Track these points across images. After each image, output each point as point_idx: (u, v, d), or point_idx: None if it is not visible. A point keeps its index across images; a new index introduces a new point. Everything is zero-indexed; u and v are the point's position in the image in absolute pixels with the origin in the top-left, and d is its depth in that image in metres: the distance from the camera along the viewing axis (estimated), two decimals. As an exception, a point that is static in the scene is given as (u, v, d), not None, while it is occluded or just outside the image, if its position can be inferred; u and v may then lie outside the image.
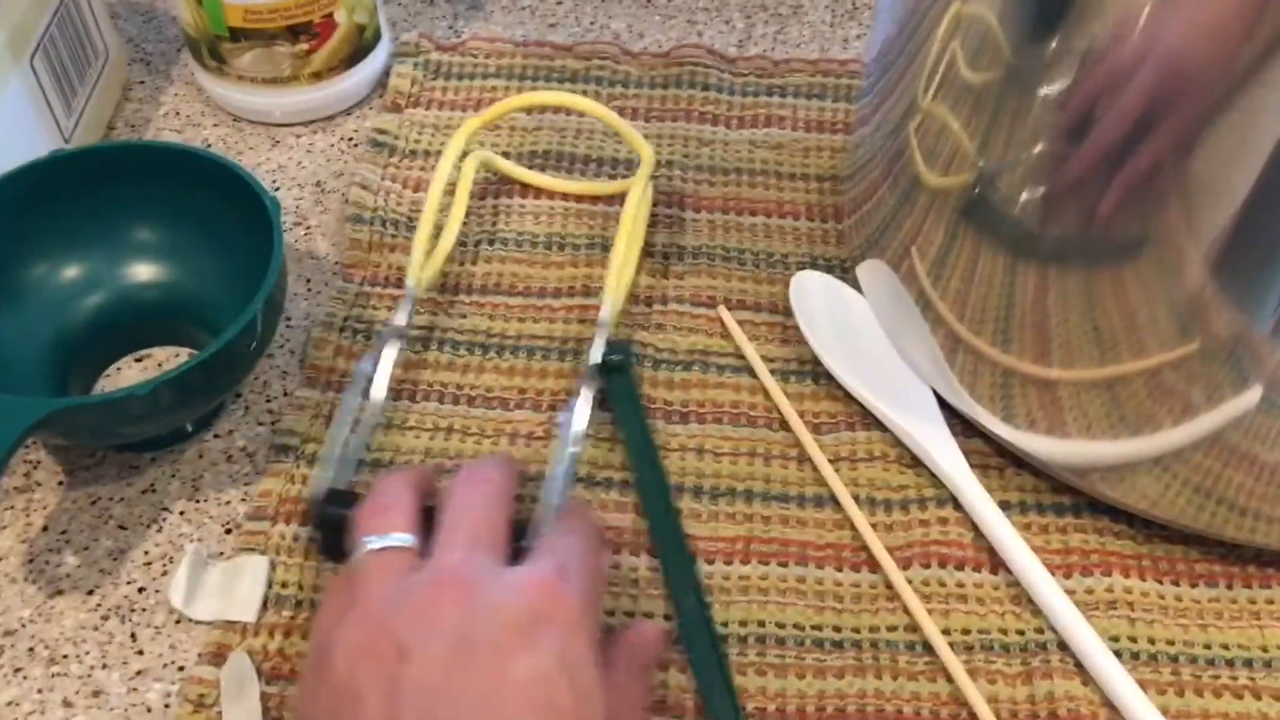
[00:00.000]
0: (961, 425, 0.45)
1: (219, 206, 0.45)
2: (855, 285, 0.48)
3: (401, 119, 0.55)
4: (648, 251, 0.50)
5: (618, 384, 0.44)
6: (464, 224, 0.51)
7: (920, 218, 0.41)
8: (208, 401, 0.42)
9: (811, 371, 0.46)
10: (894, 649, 0.39)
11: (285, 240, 0.51)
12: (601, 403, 0.44)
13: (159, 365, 0.47)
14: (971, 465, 0.43)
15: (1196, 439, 0.38)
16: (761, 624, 0.40)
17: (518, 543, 0.36)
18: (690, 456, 0.44)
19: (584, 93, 0.56)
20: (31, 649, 0.39)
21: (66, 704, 0.38)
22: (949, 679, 0.38)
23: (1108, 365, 0.38)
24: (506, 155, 0.53)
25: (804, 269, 0.49)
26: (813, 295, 0.47)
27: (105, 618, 0.40)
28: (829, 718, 0.38)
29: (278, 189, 0.54)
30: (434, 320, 0.48)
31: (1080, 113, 0.34)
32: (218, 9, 0.52)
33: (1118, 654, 0.39)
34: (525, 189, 0.53)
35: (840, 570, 0.41)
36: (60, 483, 0.44)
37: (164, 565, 0.41)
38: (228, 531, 0.42)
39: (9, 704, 0.38)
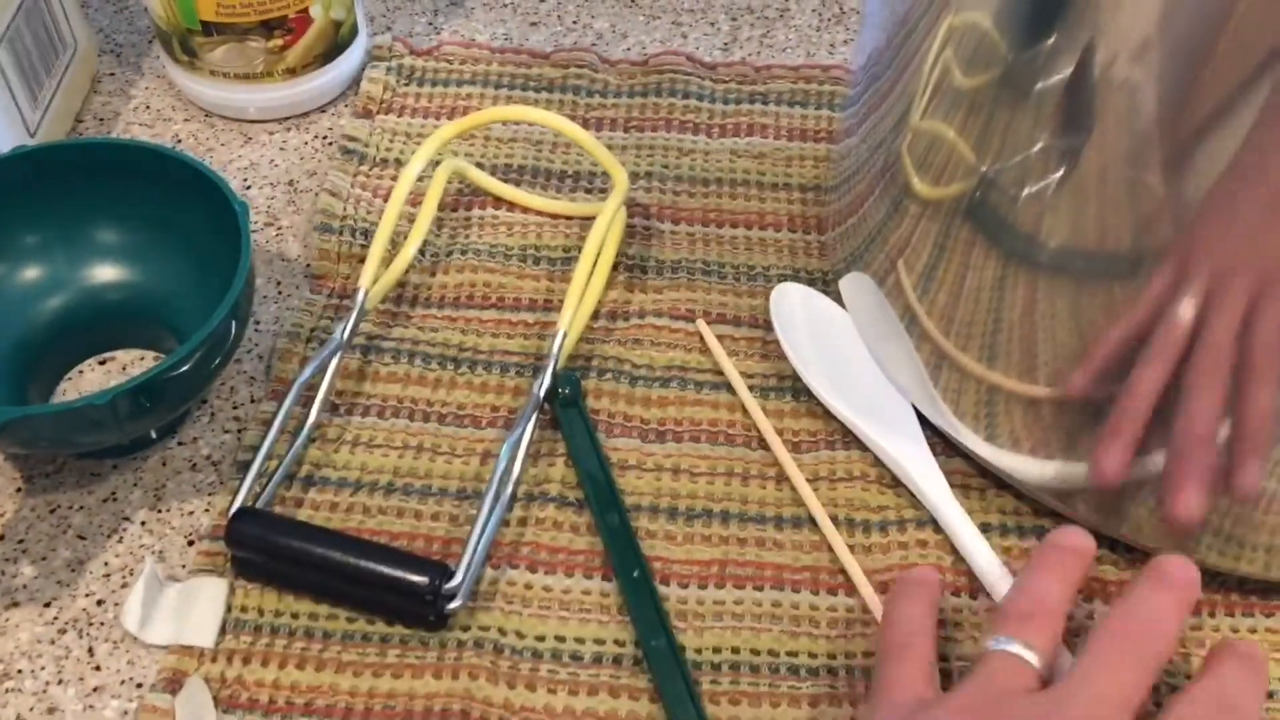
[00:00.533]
0: (943, 444, 0.44)
1: (186, 207, 0.44)
2: (837, 298, 0.47)
3: (373, 126, 0.54)
4: (625, 265, 0.49)
5: (569, 416, 0.43)
6: (435, 234, 0.50)
7: (908, 230, 0.41)
8: (170, 411, 0.41)
9: (791, 388, 0.45)
10: (869, 677, 0.38)
11: (256, 240, 0.50)
12: (555, 423, 0.44)
13: (123, 368, 0.46)
14: (952, 485, 0.43)
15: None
16: (735, 650, 0.39)
17: None
18: (666, 476, 0.43)
19: (561, 102, 0.55)
20: (-16, 664, 0.38)
21: (19, 722, 0.37)
22: (924, 708, 0.38)
23: (1095, 385, 0.37)
24: (480, 166, 0.52)
25: (786, 281, 0.48)
26: (793, 308, 0.47)
27: (62, 631, 0.39)
28: (802, 747, 0.37)
29: (249, 187, 0.52)
30: (404, 333, 0.47)
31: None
32: (190, 2, 0.50)
33: (1095, 680, 0.38)
34: (499, 199, 0.51)
35: (817, 594, 0.40)
36: (18, 489, 0.42)
37: (124, 577, 0.40)
38: (190, 544, 0.41)
39: (-40, 722, 0.37)
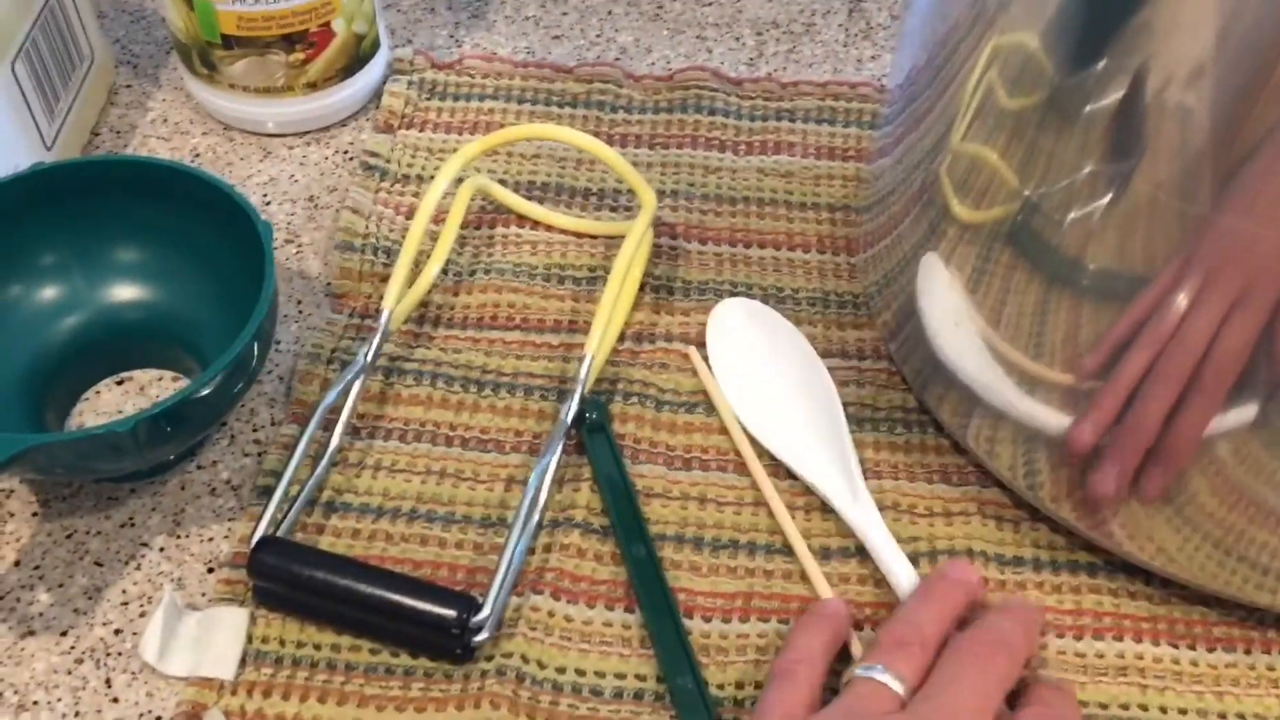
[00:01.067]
0: (977, 473, 0.43)
1: (207, 225, 0.43)
2: (858, 320, 0.46)
3: (394, 141, 0.53)
4: (651, 285, 0.48)
5: (596, 442, 0.43)
6: (458, 252, 0.49)
7: (946, 253, 0.40)
8: (192, 436, 0.41)
9: (820, 414, 0.44)
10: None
11: (275, 258, 0.49)
12: (583, 446, 0.43)
13: (140, 388, 0.45)
14: (986, 516, 0.42)
15: (1222, 492, 0.36)
16: (760, 686, 0.38)
17: None
18: (692, 505, 0.42)
19: (585, 118, 0.54)
20: (0, 694, 0.38)
21: (35, 755, 0.36)
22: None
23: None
24: (503, 183, 0.51)
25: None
26: (733, 327, 0.46)
27: (79, 661, 0.38)
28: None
29: (269, 203, 0.52)
30: (426, 354, 0.46)
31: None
32: (210, 15, 0.50)
33: (1129, 721, 0.37)
34: (523, 217, 0.51)
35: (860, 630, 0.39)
36: (34, 514, 0.42)
37: (142, 606, 0.40)
38: (210, 571, 0.40)
39: (-26, 754, 0.36)
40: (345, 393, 0.43)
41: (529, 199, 0.51)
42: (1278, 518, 0.36)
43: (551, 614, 0.39)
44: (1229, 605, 0.40)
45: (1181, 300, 0.33)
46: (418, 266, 0.47)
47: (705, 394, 0.45)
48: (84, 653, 0.38)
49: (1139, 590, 0.41)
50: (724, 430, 0.44)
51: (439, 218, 0.49)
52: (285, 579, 0.38)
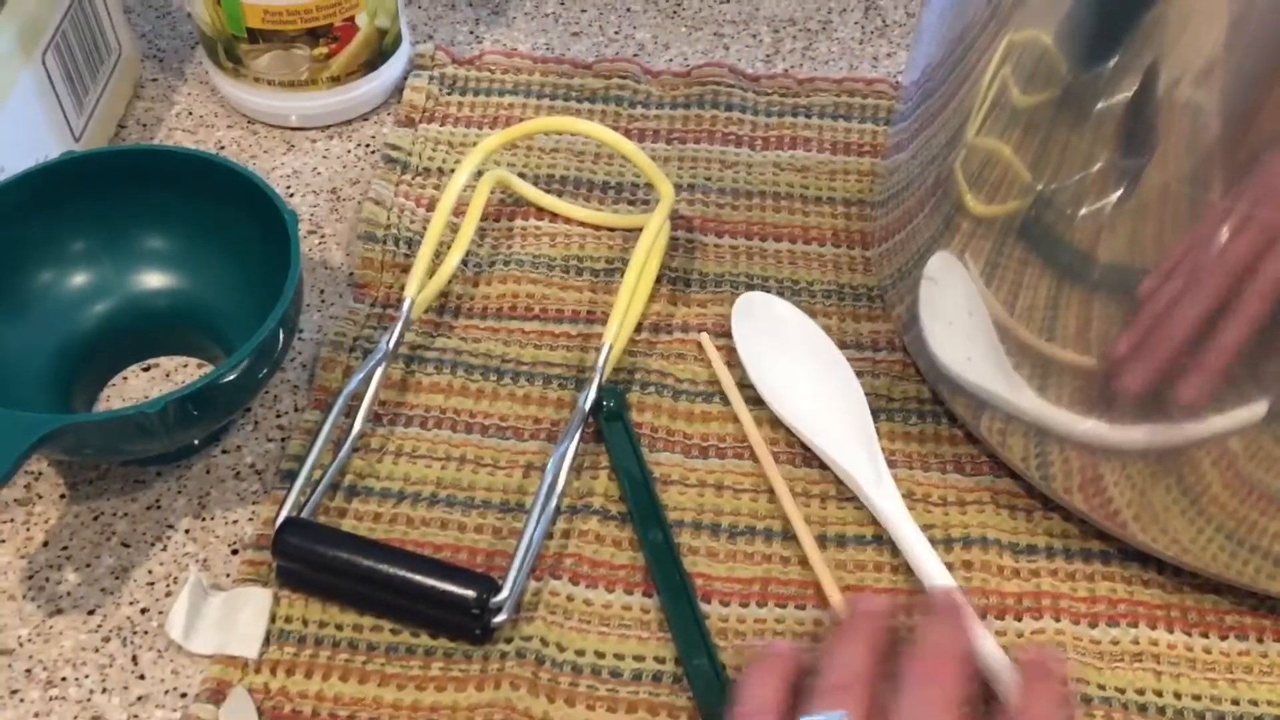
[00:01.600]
0: (990, 463, 0.44)
1: (233, 215, 0.44)
2: (868, 314, 0.47)
3: (415, 134, 0.54)
4: (668, 278, 0.49)
5: (613, 430, 0.43)
6: (478, 244, 0.50)
7: (960, 247, 0.40)
8: (217, 420, 0.41)
9: (835, 404, 0.45)
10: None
11: (300, 251, 0.50)
12: (601, 434, 0.44)
13: (166, 375, 0.46)
14: (999, 505, 0.43)
15: (1234, 484, 0.37)
16: (781, 668, 0.39)
17: None
18: (709, 492, 0.43)
19: (603, 113, 0.55)
20: (29, 670, 0.38)
21: (64, 730, 0.37)
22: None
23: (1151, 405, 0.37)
24: (523, 176, 0.52)
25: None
26: (755, 318, 0.47)
27: (106, 639, 0.39)
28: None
29: (292, 195, 0.52)
30: (446, 343, 0.47)
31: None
32: (236, 9, 0.50)
33: (1143, 708, 0.38)
34: (542, 210, 0.51)
35: (862, 613, 0.40)
36: (62, 496, 0.42)
37: (168, 586, 0.40)
38: (234, 552, 0.41)
39: (4, 728, 0.37)
40: (367, 380, 0.43)
41: (548, 192, 0.52)
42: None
43: (571, 598, 0.40)
44: (1241, 593, 0.41)
45: (1224, 231, 0.33)
46: (438, 257, 0.48)
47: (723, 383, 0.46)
48: (111, 631, 0.39)
49: (1152, 578, 0.41)
50: (740, 419, 0.45)
51: (459, 210, 0.50)
52: (308, 560, 0.39)
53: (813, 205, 0.52)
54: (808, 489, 0.43)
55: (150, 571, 0.41)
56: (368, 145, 0.55)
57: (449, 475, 0.43)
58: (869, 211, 0.52)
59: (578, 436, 0.42)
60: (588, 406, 0.43)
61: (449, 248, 0.48)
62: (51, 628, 0.39)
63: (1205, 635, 0.40)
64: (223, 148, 0.54)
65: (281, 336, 0.40)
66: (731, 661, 0.39)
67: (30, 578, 0.40)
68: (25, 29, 0.47)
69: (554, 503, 0.41)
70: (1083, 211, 0.35)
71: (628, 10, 0.61)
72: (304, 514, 0.40)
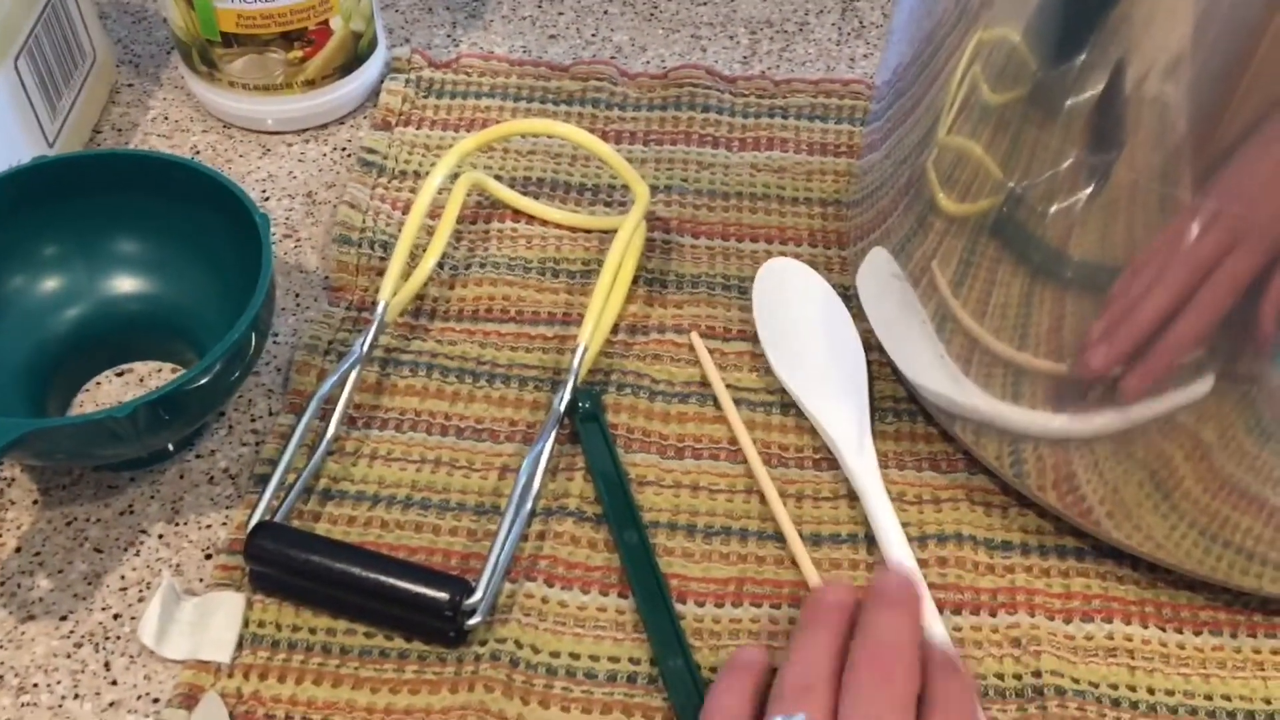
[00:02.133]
0: (965, 460, 0.44)
1: (206, 219, 0.44)
2: (852, 301, 0.47)
3: (391, 138, 0.54)
4: (644, 279, 0.49)
5: (589, 431, 0.43)
6: (453, 246, 0.50)
7: (933, 246, 0.40)
8: (190, 424, 0.41)
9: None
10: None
11: (274, 252, 0.50)
12: (576, 435, 0.43)
13: (140, 380, 0.46)
14: (974, 503, 0.43)
15: (1206, 480, 0.37)
16: (756, 668, 0.38)
17: None
18: (685, 493, 0.43)
19: (580, 115, 0.55)
20: (1, 676, 0.38)
21: (35, 736, 0.37)
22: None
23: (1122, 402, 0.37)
24: (499, 178, 0.52)
25: (779, 257, 0.49)
26: (779, 284, 0.47)
27: (78, 645, 0.39)
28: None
29: (267, 199, 0.52)
30: (421, 346, 0.46)
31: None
32: (210, 13, 0.50)
33: (1116, 702, 0.38)
34: (518, 212, 0.51)
35: (837, 612, 0.40)
36: (35, 501, 0.42)
37: (140, 591, 0.40)
38: (207, 557, 0.41)
39: (-25, 735, 0.37)
40: (342, 383, 0.43)
41: (524, 194, 0.52)
42: (1260, 504, 0.37)
43: (545, 600, 0.40)
44: (1214, 589, 0.41)
45: (1193, 228, 0.33)
46: (414, 260, 0.48)
47: (699, 384, 0.46)
48: (83, 637, 0.39)
49: (1126, 574, 0.41)
50: (717, 419, 0.45)
51: (435, 212, 0.50)
52: (281, 563, 0.38)
53: (789, 206, 0.52)
54: (784, 488, 0.43)
55: (123, 577, 0.40)
56: (343, 149, 0.55)
57: (424, 478, 0.43)
58: (845, 211, 0.52)
59: (552, 438, 0.42)
60: (563, 408, 0.43)
61: (425, 250, 0.48)
62: (23, 634, 0.39)
63: (1179, 630, 0.40)
64: (198, 152, 0.54)
65: (254, 340, 0.40)
66: (707, 662, 0.39)
67: (2, 584, 0.40)
68: (-3, 34, 0.46)
69: (529, 505, 0.41)
70: (1053, 209, 0.35)
71: (605, 13, 0.61)
72: (278, 518, 0.40)
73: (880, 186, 0.44)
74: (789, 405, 0.45)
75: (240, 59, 0.52)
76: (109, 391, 0.45)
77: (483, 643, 0.39)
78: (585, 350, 0.44)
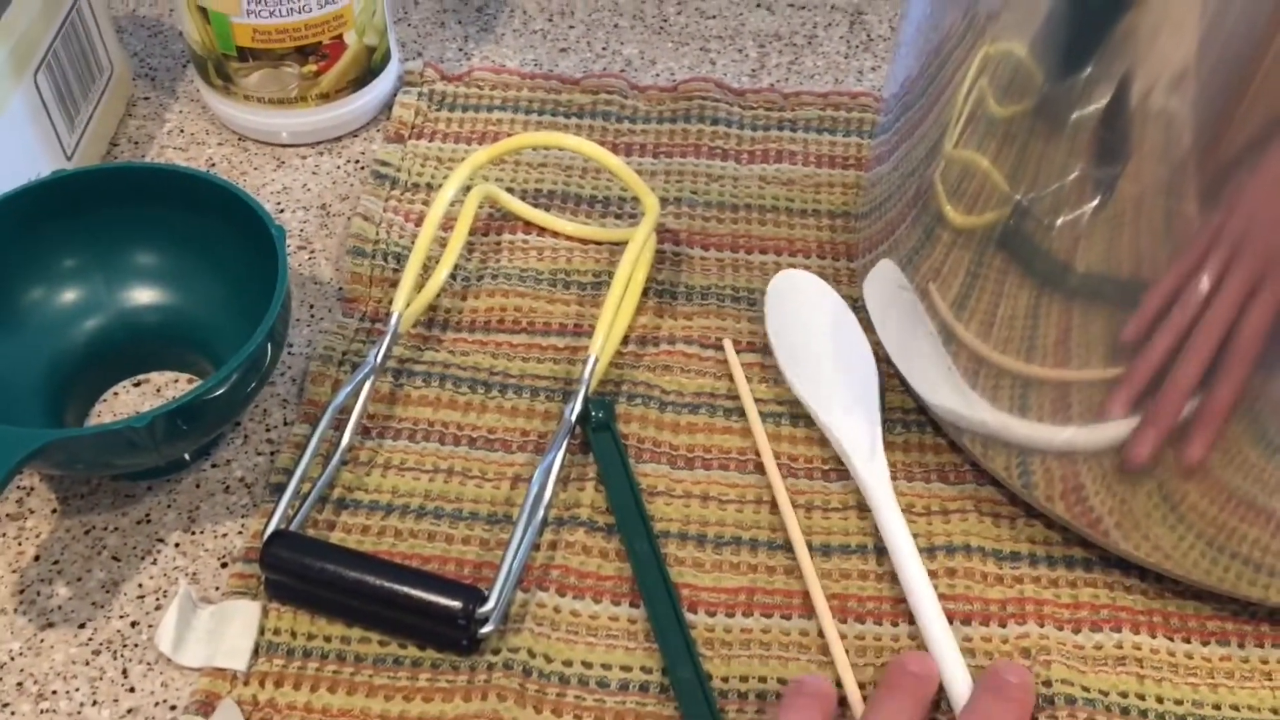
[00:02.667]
0: (973, 471, 0.44)
1: (223, 231, 0.44)
2: (868, 325, 0.47)
3: (404, 150, 0.55)
4: (654, 291, 0.49)
5: (601, 441, 0.44)
6: (465, 258, 0.50)
7: (940, 258, 0.41)
8: (206, 433, 0.42)
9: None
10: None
11: (289, 265, 0.50)
12: (587, 445, 0.44)
13: (157, 390, 0.46)
14: (983, 513, 0.43)
15: (1213, 492, 0.37)
16: (763, 680, 0.39)
17: None
18: (695, 503, 0.43)
19: (590, 128, 0.55)
20: (20, 683, 0.39)
21: (54, 743, 0.37)
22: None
23: (1130, 413, 0.37)
24: (510, 191, 0.53)
25: (790, 269, 0.49)
26: (792, 294, 0.48)
27: (96, 652, 0.39)
28: (832, 775, 0.37)
29: (282, 211, 0.53)
30: (434, 357, 0.47)
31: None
32: (226, 28, 0.51)
33: (1125, 710, 0.38)
34: (530, 224, 0.52)
35: (845, 622, 0.40)
36: (53, 510, 0.43)
37: (158, 599, 0.41)
38: (223, 566, 0.41)
39: (-5, 741, 0.37)
40: (356, 393, 0.44)
41: (535, 206, 0.52)
42: (1268, 515, 0.37)
43: (557, 609, 0.40)
44: (1222, 599, 0.41)
45: (1204, 281, 0.33)
46: (426, 271, 0.49)
47: (709, 395, 0.46)
48: (101, 644, 0.40)
49: (1134, 585, 0.41)
50: (727, 430, 0.45)
51: (448, 224, 0.50)
52: (296, 572, 0.39)
53: (798, 218, 0.52)
54: (794, 498, 0.43)
55: (140, 585, 0.41)
56: (357, 161, 0.55)
57: (437, 487, 0.43)
58: (853, 223, 0.52)
59: (564, 448, 0.42)
60: (574, 417, 0.43)
61: (437, 262, 0.49)
62: (42, 641, 0.40)
63: (1187, 640, 0.40)
64: (214, 165, 0.55)
65: (269, 351, 0.41)
66: (717, 672, 0.39)
67: (21, 592, 0.41)
68: (17, 48, 0.47)
69: (541, 514, 0.41)
70: (1060, 221, 0.35)
71: (615, 26, 0.62)
72: (292, 527, 0.41)
73: (888, 199, 0.45)
74: (798, 416, 0.45)
75: (255, 73, 0.53)
76: (126, 402, 0.46)
77: (495, 651, 0.39)
78: (596, 361, 0.45)
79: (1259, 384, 0.34)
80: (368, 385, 0.44)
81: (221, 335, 0.45)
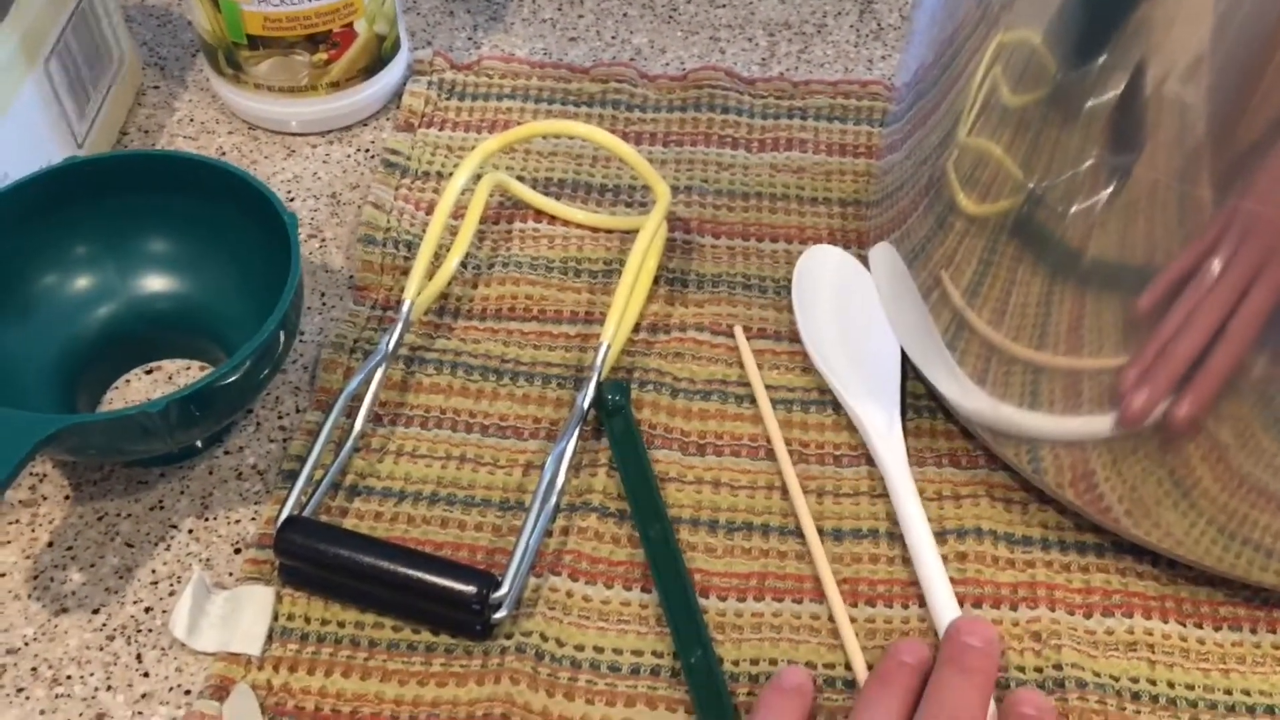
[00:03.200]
0: (985, 456, 0.44)
1: (234, 218, 0.44)
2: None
3: (414, 139, 0.55)
4: (665, 279, 0.49)
5: (615, 425, 0.44)
6: (476, 246, 0.50)
7: (953, 246, 0.41)
8: (219, 420, 0.42)
9: (832, 402, 0.45)
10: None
11: (300, 253, 0.50)
12: (599, 431, 0.44)
13: (169, 378, 0.46)
14: (994, 499, 0.43)
15: (1224, 478, 0.37)
16: (774, 663, 0.39)
17: None
18: (706, 489, 0.43)
19: (600, 117, 0.56)
20: (35, 669, 0.39)
21: (69, 727, 0.38)
22: None
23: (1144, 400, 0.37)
24: (521, 179, 0.53)
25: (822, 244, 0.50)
26: (822, 271, 0.48)
27: (110, 638, 0.39)
28: (845, 760, 0.37)
29: (293, 200, 0.53)
30: (446, 344, 0.47)
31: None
32: (236, 16, 0.51)
33: (1136, 695, 0.38)
34: (540, 212, 0.52)
35: (855, 606, 0.40)
36: (67, 497, 0.43)
37: (171, 585, 0.41)
38: (237, 551, 0.42)
39: (11, 725, 0.38)
40: (367, 381, 0.44)
41: (546, 195, 0.52)
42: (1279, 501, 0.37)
43: (570, 594, 0.40)
44: (1234, 585, 0.41)
45: (1215, 261, 0.33)
46: (438, 259, 0.49)
47: (720, 381, 0.46)
48: (115, 630, 0.40)
49: (1146, 570, 0.41)
50: (738, 416, 0.45)
51: (458, 213, 0.50)
52: (310, 557, 0.39)
53: (809, 206, 0.53)
54: (805, 484, 0.43)
55: (154, 571, 0.41)
56: (367, 150, 0.55)
57: (449, 474, 0.43)
58: (864, 212, 0.52)
59: (576, 434, 0.42)
60: (586, 405, 0.43)
61: (448, 250, 0.49)
62: (57, 627, 0.40)
63: (1199, 626, 0.40)
64: (224, 154, 0.55)
65: (282, 338, 0.41)
66: (729, 655, 0.39)
67: (36, 578, 0.41)
68: (28, 37, 0.47)
69: (553, 500, 0.41)
70: (1074, 209, 0.35)
71: (624, 15, 0.62)
72: (305, 513, 0.41)
73: (900, 187, 0.45)
74: (809, 402, 0.46)
75: (265, 61, 0.53)
76: (138, 389, 0.46)
77: (508, 636, 0.39)
78: (608, 348, 0.45)
79: (1270, 369, 0.34)
80: (380, 373, 0.44)
81: (233, 323, 0.45)
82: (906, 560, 0.41)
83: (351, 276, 0.50)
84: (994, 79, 0.37)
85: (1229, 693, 0.39)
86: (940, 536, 0.42)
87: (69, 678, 0.39)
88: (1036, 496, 0.43)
